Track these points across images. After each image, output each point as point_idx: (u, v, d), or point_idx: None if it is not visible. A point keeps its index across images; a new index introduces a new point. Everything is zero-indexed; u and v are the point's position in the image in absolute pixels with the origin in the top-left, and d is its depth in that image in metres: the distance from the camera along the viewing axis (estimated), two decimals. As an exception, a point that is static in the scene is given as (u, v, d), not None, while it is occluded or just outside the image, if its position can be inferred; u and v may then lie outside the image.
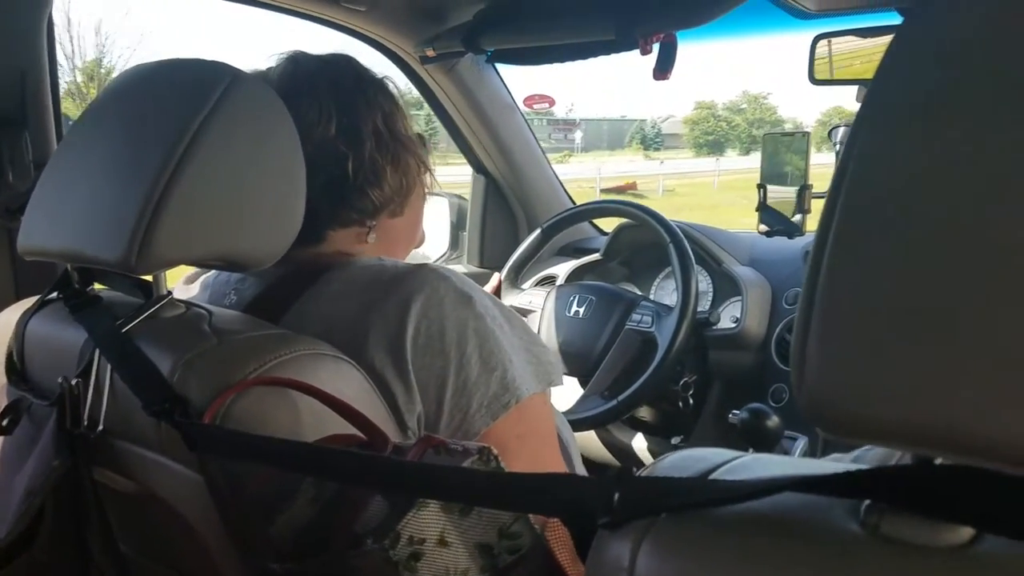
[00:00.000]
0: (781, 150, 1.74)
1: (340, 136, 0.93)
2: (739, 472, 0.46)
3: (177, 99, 0.80)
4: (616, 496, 0.46)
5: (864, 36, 1.40)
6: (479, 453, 0.63)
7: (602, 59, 1.42)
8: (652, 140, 47.46)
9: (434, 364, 0.84)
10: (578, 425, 1.51)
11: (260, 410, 0.71)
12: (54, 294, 0.92)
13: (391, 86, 1.01)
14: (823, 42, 1.45)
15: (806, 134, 1.71)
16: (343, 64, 0.99)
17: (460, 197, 2.25)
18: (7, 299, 1.04)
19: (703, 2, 1.27)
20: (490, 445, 0.66)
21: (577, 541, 0.50)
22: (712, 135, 47.49)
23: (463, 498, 0.59)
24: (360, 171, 0.94)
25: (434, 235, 2.14)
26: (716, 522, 0.44)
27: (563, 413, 1.47)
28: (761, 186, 1.73)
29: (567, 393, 1.68)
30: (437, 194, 2.25)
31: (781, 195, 1.69)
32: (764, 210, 1.74)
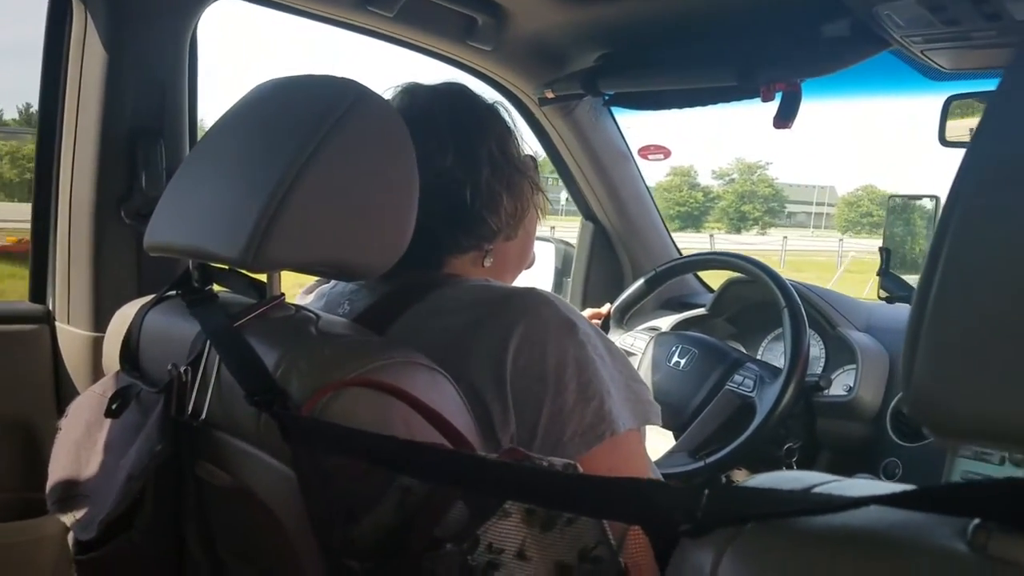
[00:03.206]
0: (905, 214, 1.67)
1: (457, 165, 0.96)
2: (836, 492, 0.44)
3: (304, 112, 0.84)
4: (702, 502, 0.44)
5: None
6: (564, 468, 0.61)
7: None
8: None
9: (532, 387, 0.83)
10: None
11: (354, 410, 0.72)
12: (174, 291, 0.97)
13: (502, 111, 1.04)
14: (955, 104, 1.39)
15: (935, 198, 1.64)
16: (456, 93, 1.02)
17: (566, 243, 2.26)
18: (130, 295, 1.10)
19: (828, 52, 1.25)
20: None
21: (658, 553, 0.47)
22: (684, 207, 41.98)
23: (542, 499, 0.58)
24: (478, 198, 0.96)
25: (539, 279, 2.15)
26: (804, 535, 0.42)
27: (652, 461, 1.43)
28: (884, 250, 1.67)
29: (656, 444, 1.63)
30: (544, 239, 2.26)
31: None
32: (885, 275, 1.68)
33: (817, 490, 0.45)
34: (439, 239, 0.96)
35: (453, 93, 1.02)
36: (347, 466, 0.69)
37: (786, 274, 1.67)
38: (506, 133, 1.02)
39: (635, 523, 0.55)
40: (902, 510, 0.41)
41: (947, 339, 0.38)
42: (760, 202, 42.58)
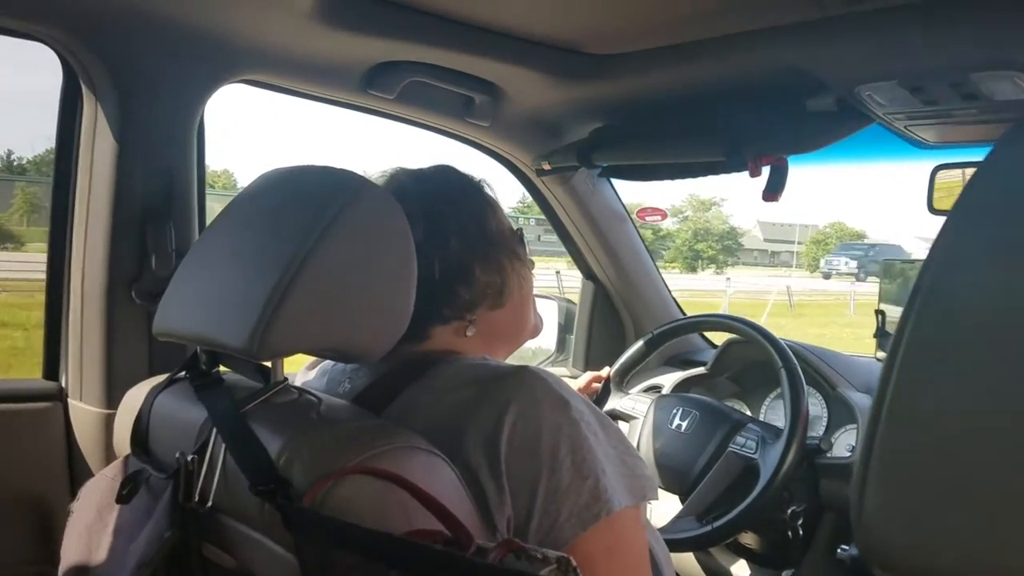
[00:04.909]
0: (900, 277, 1.70)
1: (427, 239, 0.98)
2: None
3: (306, 204, 0.88)
4: None
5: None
6: (557, 563, 0.63)
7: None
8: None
9: (527, 467, 0.85)
10: (669, 546, 1.47)
11: (355, 498, 0.74)
12: (183, 373, 1.00)
13: (485, 188, 1.07)
14: (942, 173, 1.43)
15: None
16: (435, 175, 1.06)
17: (569, 301, 2.28)
18: (141, 375, 1.13)
19: (815, 128, 1.29)
20: (578, 556, 0.67)
21: None
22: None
23: None
24: (447, 270, 0.99)
25: (542, 336, 2.16)
26: None
27: (656, 530, 1.43)
28: (880, 312, 1.69)
29: (662, 508, 1.63)
30: (547, 297, 2.29)
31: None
32: (883, 336, 1.69)
33: None
34: (419, 311, 0.97)
35: (433, 176, 1.06)
36: (346, 555, 0.71)
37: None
38: (483, 208, 1.04)
39: None
40: None
41: (900, 472, 0.38)
42: (715, 240, 41.56)
